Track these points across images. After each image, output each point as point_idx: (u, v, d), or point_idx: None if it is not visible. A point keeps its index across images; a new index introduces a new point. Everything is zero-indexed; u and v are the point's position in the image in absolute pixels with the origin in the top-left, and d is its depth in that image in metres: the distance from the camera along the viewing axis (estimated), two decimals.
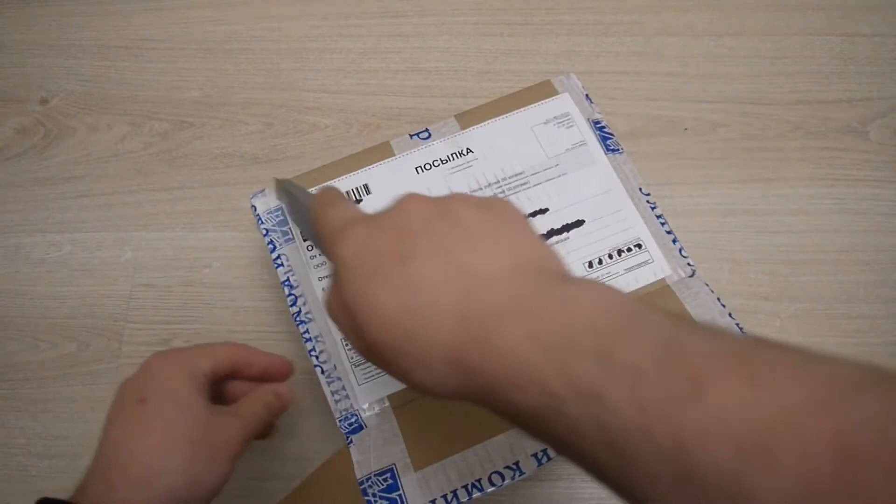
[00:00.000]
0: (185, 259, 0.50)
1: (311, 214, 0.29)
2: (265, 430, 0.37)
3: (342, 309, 0.24)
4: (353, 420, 0.36)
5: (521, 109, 0.43)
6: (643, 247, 0.40)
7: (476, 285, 0.22)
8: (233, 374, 0.36)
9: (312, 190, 0.40)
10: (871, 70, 0.55)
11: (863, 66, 0.55)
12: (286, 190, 0.37)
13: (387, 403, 0.37)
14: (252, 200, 0.42)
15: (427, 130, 0.43)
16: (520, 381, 0.20)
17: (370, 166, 0.42)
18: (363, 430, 0.36)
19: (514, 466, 0.34)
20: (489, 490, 0.34)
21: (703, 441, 0.16)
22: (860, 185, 0.51)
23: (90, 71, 0.57)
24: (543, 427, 0.20)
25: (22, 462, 0.44)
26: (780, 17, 0.57)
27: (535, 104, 0.44)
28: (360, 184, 0.42)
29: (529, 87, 0.44)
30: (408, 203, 0.25)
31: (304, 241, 0.41)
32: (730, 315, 0.37)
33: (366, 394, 0.37)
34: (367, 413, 0.36)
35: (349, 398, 0.37)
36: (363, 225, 0.25)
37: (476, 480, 0.34)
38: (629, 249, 0.40)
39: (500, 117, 0.43)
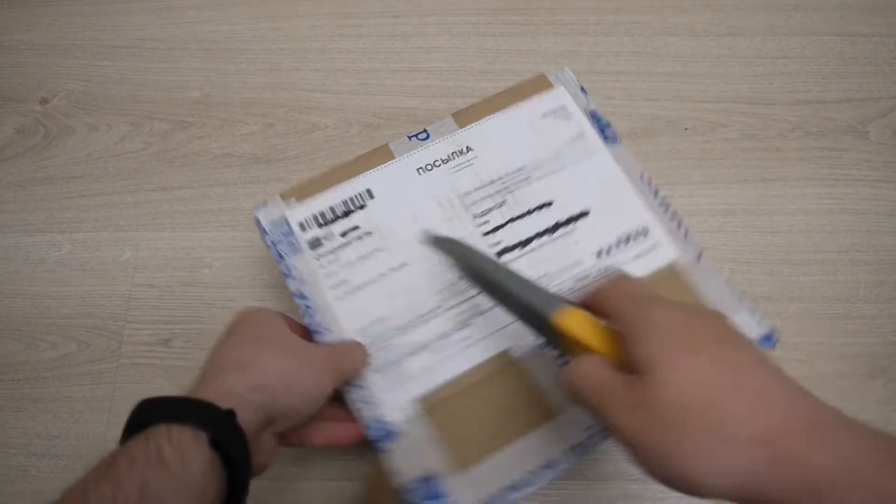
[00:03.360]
0: (185, 259, 0.50)
1: (604, 300, 0.29)
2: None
3: (631, 364, 0.25)
4: (382, 428, 0.35)
5: (518, 104, 0.44)
6: (649, 233, 0.40)
7: (799, 394, 0.23)
8: None
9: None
10: (871, 70, 0.55)
11: (863, 66, 0.55)
12: (451, 250, 0.36)
13: (418, 406, 0.36)
14: (255, 213, 0.41)
15: (425, 131, 0.43)
16: (853, 482, 0.20)
17: (371, 170, 0.42)
18: (397, 438, 0.35)
19: (561, 457, 0.34)
20: (536, 486, 0.34)
21: None
22: (860, 185, 0.51)
23: (90, 71, 0.57)
24: None
25: (22, 462, 0.44)
26: (780, 17, 0.57)
27: (531, 98, 0.44)
28: (362, 189, 0.41)
29: (524, 81, 0.44)
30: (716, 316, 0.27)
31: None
32: (740, 296, 0.38)
33: (392, 400, 0.36)
34: (397, 419, 0.36)
35: (376, 406, 0.36)
36: (672, 306, 0.26)
37: (526, 473, 0.34)
38: (636, 236, 0.40)
39: (497, 113, 0.43)
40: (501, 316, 0.38)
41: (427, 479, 0.34)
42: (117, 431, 0.46)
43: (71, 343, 0.47)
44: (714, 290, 0.38)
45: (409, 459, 0.35)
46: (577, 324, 0.28)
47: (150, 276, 0.49)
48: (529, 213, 0.41)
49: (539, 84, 0.44)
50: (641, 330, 0.25)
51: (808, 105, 0.54)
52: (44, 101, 0.56)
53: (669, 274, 0.39)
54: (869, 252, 0.49)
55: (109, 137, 0.54)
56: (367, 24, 0.58)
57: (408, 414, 0.36)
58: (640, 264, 0.39)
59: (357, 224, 0.40)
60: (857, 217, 0.50)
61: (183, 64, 0.57)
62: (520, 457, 0.34)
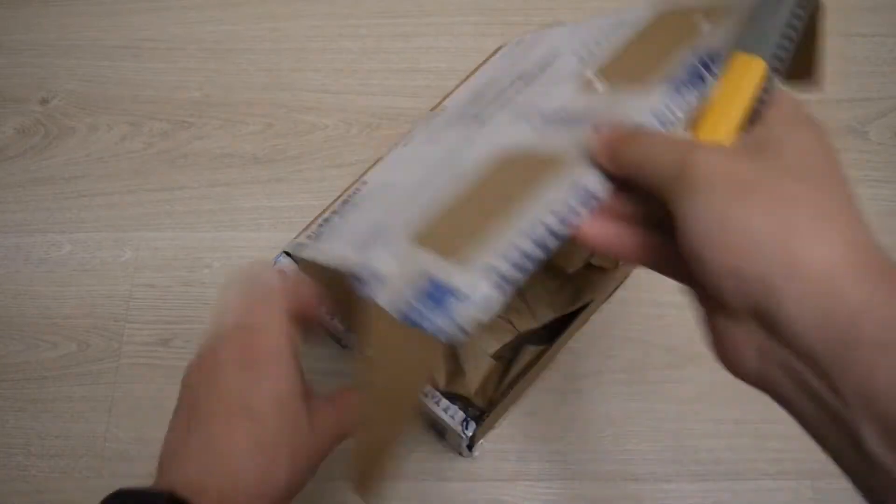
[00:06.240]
0: (185, 259, 0.50)
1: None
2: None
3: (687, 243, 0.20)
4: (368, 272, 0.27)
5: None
6: None
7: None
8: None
9: None
10: (871, 70, 0.55)
11: (863, 66, 0.55)
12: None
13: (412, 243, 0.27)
14: (288, 252, 0.39)
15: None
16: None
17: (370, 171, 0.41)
18: (386, 279, 0.26)
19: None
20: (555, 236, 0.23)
21: None
22: (860, 185, 0.51)
23: (90, 71, 0.57)
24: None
25: (22, 462, 0.44)
26: None
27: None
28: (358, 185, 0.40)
29: (485, 60, 0.46)
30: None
31: None
32: None
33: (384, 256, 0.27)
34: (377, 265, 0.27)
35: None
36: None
37: (540, 224, 0.23)
38: None
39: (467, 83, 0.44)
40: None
41: (418, 290, 0.24)
42: (117, 431, 0.46)
43: (71, 343, 0.47)
44: None
45: (396, 282, 0.25)
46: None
47: (150, 276, 0.49)
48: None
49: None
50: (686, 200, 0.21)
51: (807, 105, 0.53)
52: (44, 101, 0.56)
53: None
54: None
55: (109, 137, 0.54)
56: (367, 24, 0.58)
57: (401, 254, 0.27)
58: None
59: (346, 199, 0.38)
60: None
61: (183, 64, 0.57)
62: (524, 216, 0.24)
